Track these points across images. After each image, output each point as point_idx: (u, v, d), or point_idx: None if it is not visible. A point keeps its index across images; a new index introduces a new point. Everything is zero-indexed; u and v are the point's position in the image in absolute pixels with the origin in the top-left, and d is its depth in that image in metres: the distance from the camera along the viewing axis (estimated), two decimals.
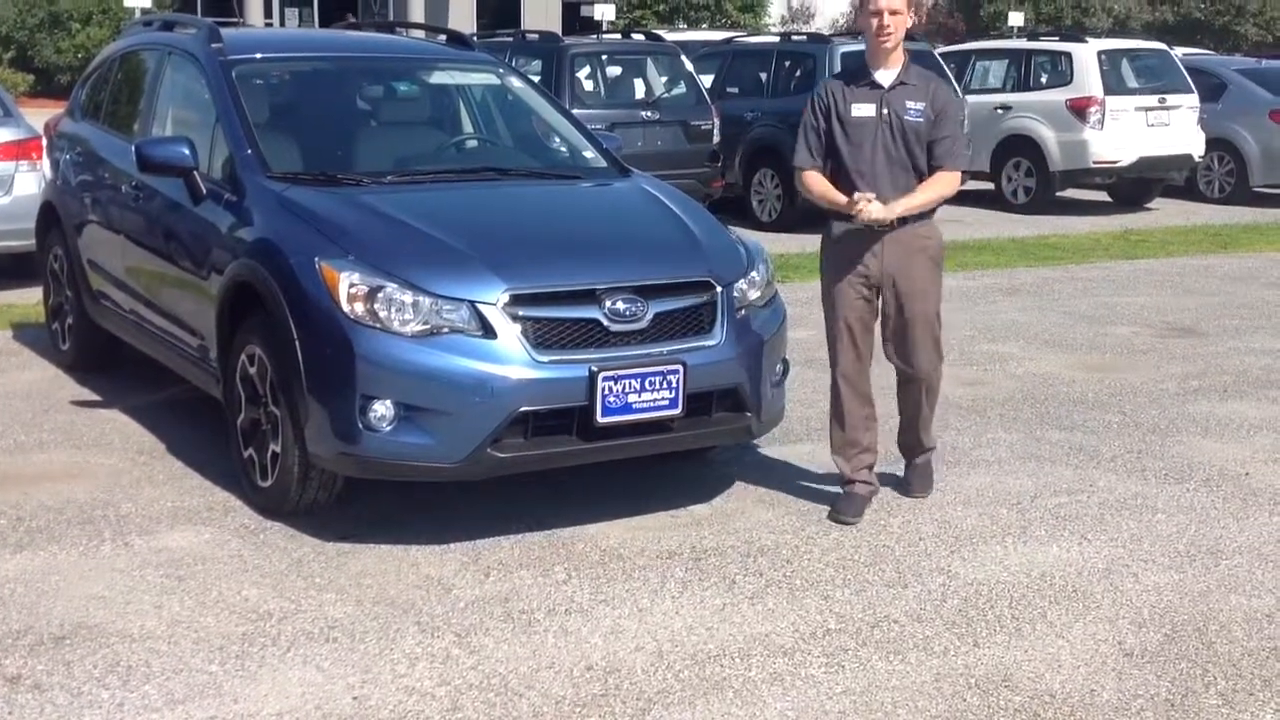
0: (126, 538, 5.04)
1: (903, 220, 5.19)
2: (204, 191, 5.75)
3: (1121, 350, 8.49)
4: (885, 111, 5.18)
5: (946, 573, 4.85)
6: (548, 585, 4.68)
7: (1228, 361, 8.21)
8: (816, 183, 5.28)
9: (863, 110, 5.20)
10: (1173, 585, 4.77)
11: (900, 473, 5.73)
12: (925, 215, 5.29)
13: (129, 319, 6.68)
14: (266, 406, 5.19)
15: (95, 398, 6.92)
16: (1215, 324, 9.36)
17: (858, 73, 5.30)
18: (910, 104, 5.18)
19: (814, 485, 5.73)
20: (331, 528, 5.13)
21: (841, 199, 5.17)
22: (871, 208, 5.09)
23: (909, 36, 5.51)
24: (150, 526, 5.16)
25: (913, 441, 5.63)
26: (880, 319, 5.39)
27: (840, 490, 5.45)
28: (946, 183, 5.26)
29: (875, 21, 5.15)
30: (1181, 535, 5.27)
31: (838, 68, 13.74)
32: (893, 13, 5.14)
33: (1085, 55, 15.65)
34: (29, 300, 8.93)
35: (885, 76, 5.22)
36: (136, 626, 4.29)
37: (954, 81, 14.31)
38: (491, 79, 6.91)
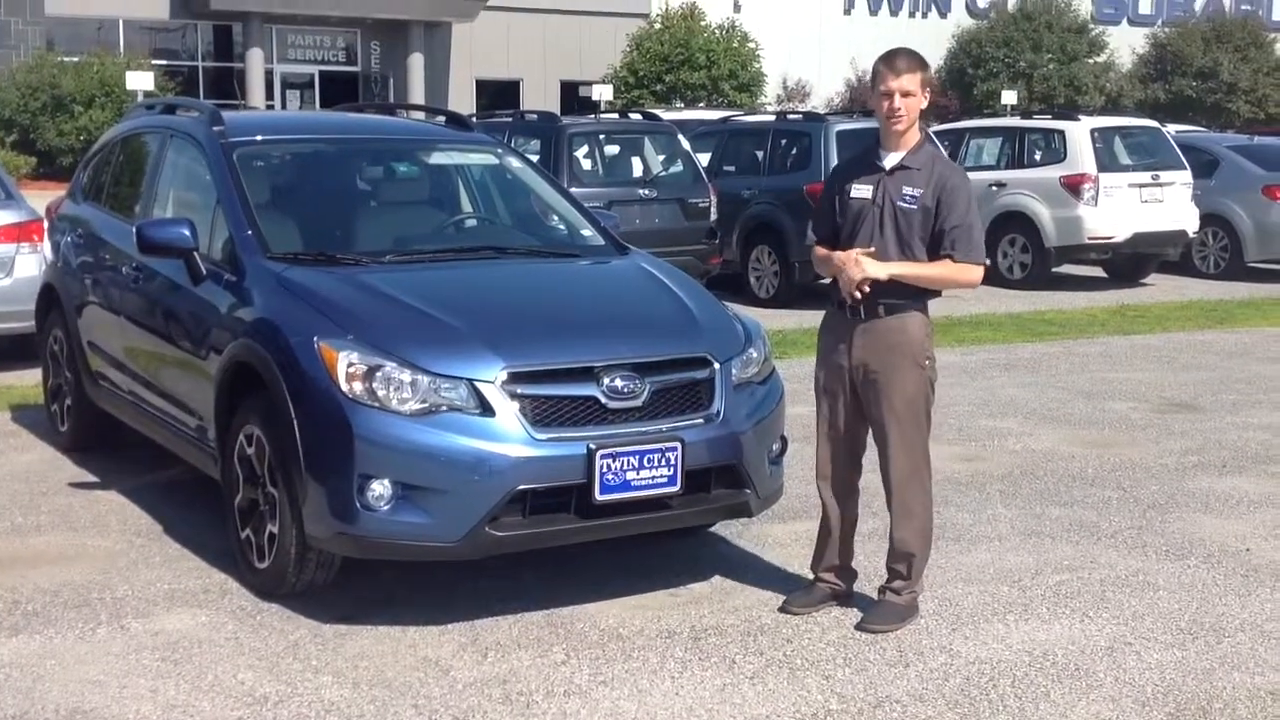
0: (123, 620, 5.01)
1: (875, 308, 4.91)
2: (204, 272, 5.78)
3: (1120, 426, 8.49)
4: (880, 195, 4.93)
5: (948, 651, 4.82)
6: (546, 666, 4.64)
7: (1226, 437, 8.20)
8: (819, 252, 5.11)
9: (859, 191, 4.97)
10: (1176, 663, 4.74)
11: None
12: (908, 306, 4.95)
13: (128, 400, 6.69)
14: (264, 487, 5.18)
15: (93, 479, 6.91)
16: (1213, 399, 9.37)
17: (867, 153, 5.09)
18: (907, 189, 4.90)
19: None
20: (329, 609, 5.10)
21: (834, 259, 4.96)
22: (851, 269, 4.85)
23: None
24: (146, 609, 5.13)
25: (889, 559, 5.12)
26: None
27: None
28: (955, 269, 4.91)
29: (886, 103, 4.90)
30: (1183, 612, 5.24)
31: (834, 146, 13.88)
32: (904, 94, 4.88)
33: (1078, 133, 15.81)
34: (28, 382, 8.95)
35: (891, 159, 4.97)
36: (132, 711, 4.25)
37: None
38: (490, 159, 6.97)
